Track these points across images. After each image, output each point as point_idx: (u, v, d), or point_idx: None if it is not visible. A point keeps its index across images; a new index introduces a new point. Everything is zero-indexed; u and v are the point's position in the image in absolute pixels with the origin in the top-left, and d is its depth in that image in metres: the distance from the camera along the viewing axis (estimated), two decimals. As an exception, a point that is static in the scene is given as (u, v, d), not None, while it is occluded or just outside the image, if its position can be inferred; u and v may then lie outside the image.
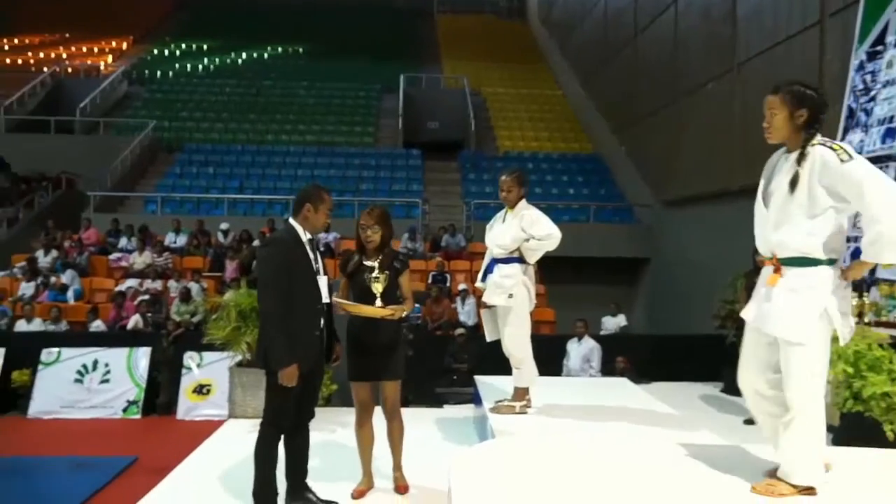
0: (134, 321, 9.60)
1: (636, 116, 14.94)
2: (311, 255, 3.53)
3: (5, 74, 21.16)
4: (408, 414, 4.60)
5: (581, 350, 8.32)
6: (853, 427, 4.15)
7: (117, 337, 9.11)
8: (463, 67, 22.51)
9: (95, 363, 8.21)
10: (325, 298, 3.56)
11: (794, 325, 2.56)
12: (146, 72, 22.65)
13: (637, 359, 8.17)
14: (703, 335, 8.48)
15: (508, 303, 4.30)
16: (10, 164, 15.87)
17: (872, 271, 5.54)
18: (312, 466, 3.75)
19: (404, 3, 29.52)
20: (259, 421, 3.54)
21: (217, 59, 24.18)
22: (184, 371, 8.03)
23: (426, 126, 20.08)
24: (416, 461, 4.08)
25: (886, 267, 5.38)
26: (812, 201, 2.57)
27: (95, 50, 25.42)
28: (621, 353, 8.20)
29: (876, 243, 2.50)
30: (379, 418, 3.87)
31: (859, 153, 6.26)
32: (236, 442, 4.94)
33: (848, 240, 5.95)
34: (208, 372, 7.94)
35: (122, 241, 12.61)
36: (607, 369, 8.10)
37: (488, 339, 4.56)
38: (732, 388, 4.35)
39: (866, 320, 4.79)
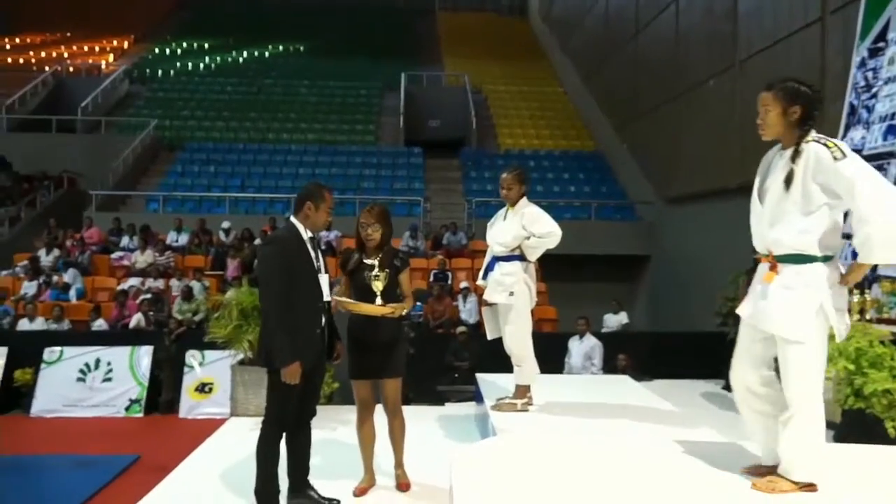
0: (136, 320, 9.62)
1: (637, 114, 14.93)
2: (313, 254, 3.54)
3: (7, 74, 21.18)
4: (409, 412, 4.61)
5: (583, 348, 8.32)
6: (854, 424, 4.15)
7: (119, 336, 9.14)
8: (464, 65, 22.49)
9: (98, 362, 8.25)
10: (327, 296, 3.57)
11: (791, 323, 2.57)
12: (147, 71, 22.67)
13: (639, 356, 8.17)
14: (704, 332, 8.47)
15: (509, 300, 4.30)
16: (12, 164, 15.89)
17: (874, 269, 5.54)
18: (314, 464, 3.76)
19: (405, 1, 29.52)
20: (261, 419, 3.55)
21: (218, 58, 24.19)
22: (186, 370, 8.06)
23: (427, 124, 20.08)
24: (418, 459, 4.08)
25: (887, 266, 5.38)
26: (806, 199, 2.58)
27: (97, 49, 25.44)
28: (623, 351, 8.20)
29: (865, 244, 2.50)
30: (380, 416, 3.88)
31: (861, 150, 6.30)
32: (238, 440, 4.95)
33: (849, 237, 5.96)
34: (210, 370, 7.97)
35: (124, 240, 12.62)
36: (609, 367, 8.10)
37: (489, 336, 4.57)
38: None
39: (868, 317, 4.79)
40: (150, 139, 17.51)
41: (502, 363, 4.60)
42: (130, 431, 7.43)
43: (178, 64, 23.52)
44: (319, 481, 3.75)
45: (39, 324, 9.47)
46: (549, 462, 3.05)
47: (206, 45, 25.45)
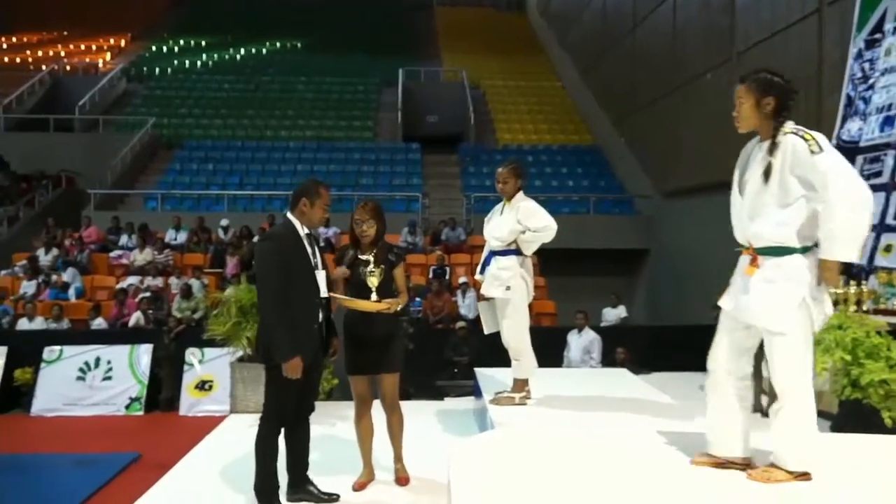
0: (135, 318, 9.63)
1: (635, 107, 14.92)
2: (310, 250, 3.54)
3: (4, 73, 21.15)
4: (409, 407, 4.62)
5: (581, 341, 8.34)
6: (851, 414, 4.16)
7: (119, 334, 9.15)
8: (462, 60, 22.45)
9: (97, 360, 8.27)
10: (324, 292, 3.57)
11: (774, 315, 2.59)
12: (145, 69, 22.63)
13: (637, 349, 8.19)
14: (703, 325, 8.41)
15: (506, 295, 4.30)
16: (10, 163, 15.88)
17: (871, 259, 5.54)
18: (313, 460, 3.77)
19: (403, -3, 29.45)
20: (260, 416, 3.56)
21: (215, 55, 24.15)
22: (186, 367, 8.08)
23: (425, 120, 20.06)
24: (417, 453, 4.10)
25: (885, 255, 5.39)
26: (784, 191, 2.59)
27: (94, 48, 25.39)
28: (621, 345, 8.22)
29: (827, 239, 2.52)
30: (379, 411, 3.89)
31: (858, 141, 6.31)
32: (238, 437, 4.96)
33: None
34: (210, 368, 7.99)
35: (123, 239, 12.63)
36: (607, 360, 8.12)
37: (486, 331, 4.57)
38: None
39: (865, 308, 4.80)
40: (148, 137, 17.49)
41: (502, 358, 4.61)
42: (131, 430, 7.44)
43: (176, 62, 23.48)
44: (319, 477, 3.76)
45: (39, 323, 9.48)
46: (546, 455, 3.06)
47: (203, 43, 25.40)
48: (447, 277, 11.31)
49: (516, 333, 4.37)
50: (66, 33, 26.32)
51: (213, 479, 4.19)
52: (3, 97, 18.09)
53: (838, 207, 2.47)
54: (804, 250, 2.60)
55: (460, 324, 8.93)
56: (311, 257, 3.53)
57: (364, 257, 3.73)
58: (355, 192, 14.42)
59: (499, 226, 4.39)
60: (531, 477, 2.78)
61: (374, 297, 3.63)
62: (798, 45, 8.82)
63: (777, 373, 2.64)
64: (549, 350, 7.52)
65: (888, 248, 5.46)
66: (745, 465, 2.78)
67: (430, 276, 11.33)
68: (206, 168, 16.68)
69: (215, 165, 16.81)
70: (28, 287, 10.79)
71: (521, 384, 4.48)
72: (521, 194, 4.37)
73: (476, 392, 5.47)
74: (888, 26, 6.23)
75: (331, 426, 5.03)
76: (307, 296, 3.48)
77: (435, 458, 3.88)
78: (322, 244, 10.75)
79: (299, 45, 25.36)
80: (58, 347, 8.32)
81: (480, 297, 4.56)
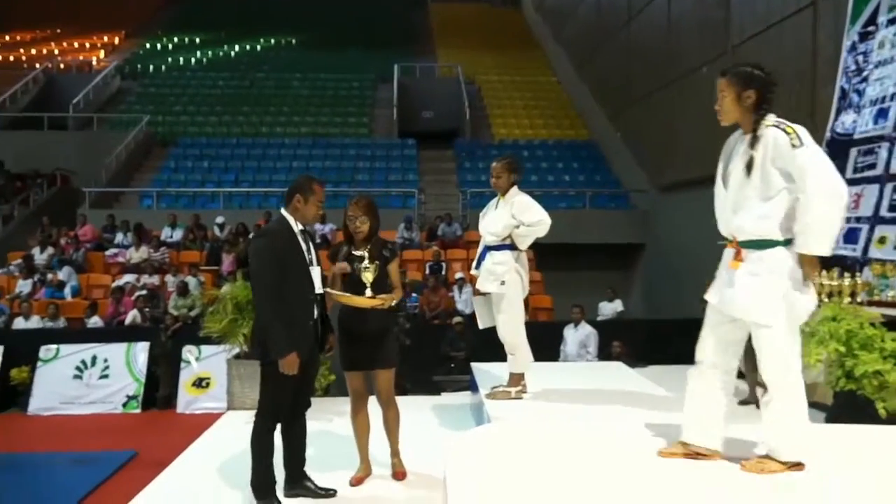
0: (132, 316, 9.63)
1: (631, 102, 14.92)
2: (304, 246, 3.54)
3: (-3, 72, 21.07)
4: (405, 402, 4.62)
5: (577, 336, 8.36)
6: (846, 405, 4.18)
7: (115, 332, 9.13)
8: (457, 56, 22.42)
9: (94, 359, 8.26)
10: (319, 289, 3.58)
11: (759, 309, 2.62)
12: (139, 66, 22.55)
13: (634, 343, 8.21)
14: (698, 319, 8.45)
15: (501, 290, 4.31)
16: (4, 162, 15.83)
17: (865, 251, 5.57)
18: (310, 455, 3.78)
19: (397, -8, 29.38)
20: (255, 412, 3.56)
21: (210, 52, 24.07)
22: (182, 365, 8.08)
23: (421, 115, 20.03)
24: (414, 448, 4.11)
25: (879, 246, 5.41)
26: (766, 184, 2.61)
27: (87, 45, 25.30)
28: (618, 338, 8.24)
29: (802, 233, 2.55)
30: (376, 406, 3.89)
31: (852, 134, 6.33)
32: (235, 433, 4.95)
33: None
34: (207, 365, 7.99)
35: (119, 237, 12.61)
36: (604, 354, 8.14)
37: (481, 326, 4.58)
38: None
39: (859, 300, 4.82)
40: (143, 135, 17.45)
41: (498, 352, 4.63)
42: (128, 428, 7.44)
43: (170, 59, 23.40)
44: (316, 472, 3.77)
45: (35, 322, 9.47)
46: (542, 448, 3.08)
47: (198, 40, 25.33)
48: (443, 273, 11.32)
49: (511, 328, 4.38)
50: (59, 31, 26.22)
51: (210, 476, 4.19)
52: (-3, 96, 18.04)
53: (815, 202, 2.50)
54: (787, 243, 2.62)
55: (457, 319, 8.94)
56: (306, 254, 3.53)
57: (358, 253, 3.73)
58: (351, 189, 14.42)
59: (493, 221, 4.40)
60: (527, 470, 2.80)
61: (368, 292, 3.64)
62: (792, 38, 8.82)
63: (765, 365, 2.67)
64: (546, 344, 7.53)
65: (882, 240, 5.48)
66: (716, 456, 2.82)
67: (427, 271, 11.34)
68: (201, 165, 16.65)
69: (210, 163, 16.78)
70: (24, 286, 10.77)
71: (516, 378, 4.49)
72: (515, 189, 4.37)
73: (472, 387, 5.49)
74: (882, 19, 6.25)
75: (328, 422, 5.03)
76: (302, 292, 3.48)
77: (432, 453, 3.89)
78: (318, 241, 10.75)
79: (294, 41, 25.29)
80: (54, 346, 8.31)
81: (476, 292, 4.57)
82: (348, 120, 19.38)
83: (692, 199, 11.91)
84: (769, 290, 2.60)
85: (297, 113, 19.50)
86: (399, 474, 3.91)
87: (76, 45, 25.23)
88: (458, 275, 10.76)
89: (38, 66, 21.01)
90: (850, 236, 5.82)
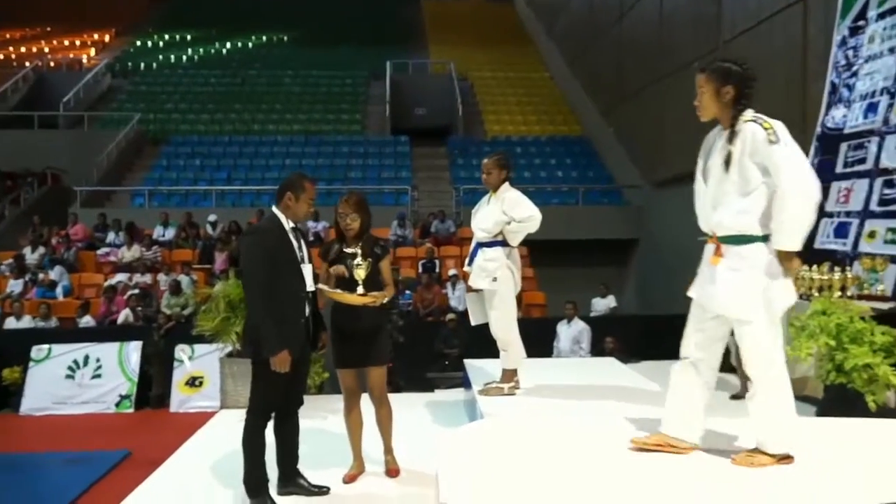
0: (124, 316, 9.59)
1: (624, 98, 14.94)
2: (295, 244, 3.53)
3: (-13, 70, 20.92)
4: (399, 399, 4.63)
5: (570, 332, 8.38)
6: (836, 399, 4.21)
7: (108, 332, 9.09)
8: (450, 52, 22.40)
9: (87, 358, 8.21)
10: (310, 286, 3.57)
11: (740, 304, 2.65)
12: (129, 64, 22.44)
13: (627, 339, 8.23)
14: (691, 314, 8.52)
15: (493, 286, 4.32)
16: (-6, 161, 15.73)
17: (855, 246, 5.59)
18: (304, 453, 3.78)
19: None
20: (246, 410, 3.56)
21: (201, 50, 23.97)
22: (176, 364, 8.04)
23: (414, 112, 20.01)
24: (408, 445, 4.12)
25: (869, 241, 5.44)
26: (744, 179, 2.63)
27: (77, 43, 25.16)
28: (611, 334, 8.26)
29: (777, 231, 2.58)
30: (369, 403, 3.89)
31: (842, 128, 6.35)
32: (228, 432, 4.95)
33: (830, 215, 6.00)
34: (200, 364, 7.96)
35: (110, 236, 12.55)
36: (597, 350, 8.16)
37: (473, 322, 4.59)
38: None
39: (849, 294, 4.84)
40: (134, 133, 17.37)
41: (492, 349, 4.63)
42: (121, 427, 7.41)
43: (161, 56, 23.28)
44: (309, 470, 3.77)
45: (26, 322, 9.41)
46: (534, 444, 3.09)
47: (189, 37, 25.22)
48: (437, 270, 11.32)
49: (504, 324, 4.38)
50: (49, 29, 26.06)
51: (203, 475, 4.19)
52: (-13, 94, 17.92)
53: (789, 200, 2.53)
54: (766, 238, 2.63)
55: (450, 316, 8.94)
56: (297, 251, 3.53)
57: (350, 250, 3.72)
58: (344, 186, 14.37)
59: (485, 217, 4.40)
60: (519, 466, 2.80)
61: (360, 289, 3.63)
62: (783, 33, 8.85)
63: (748, 360, 2.70)
64: (539, 341, 7.55)
65: (872, 235, 5.51)
66: (692, 450, 2.85)
67: (420, 268, 11.34)
68: (193, 163, 16.59)
69: (202, 161, 16.71)
70: (15, 286, 10.71)
71: (509, 374, 4.50)
72: (506, 185, 4.38)
73: (466, 383, 5.49)
74: (871, 13, 6.27)
75: (321, 419, 5.03)
76: (293, 289, 3.47)
77: (425, 450, 3.90)
78: (311, 238, 10.71)
79: (285, 38, 25.21)
80: (46, 346, 8.26)
81: (469, 289, 4.57)
82: (341, 117, 19.33)
83: (685, 195, 11.82)
84: (749, 286, 2.62)
85: (290, 110, 19.44)
86: (392, 471, 3.92)
87: (66, 42, 25.09)
88: (452, 271, 10.76)
89: (28, 64, 20.89)
90: (840, 230, 5.85)
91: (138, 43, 24.75)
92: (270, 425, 3.57)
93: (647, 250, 14.06)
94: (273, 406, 3.51)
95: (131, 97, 19.85)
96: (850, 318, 4.25)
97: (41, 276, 10.95)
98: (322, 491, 3.68)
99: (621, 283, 14.44)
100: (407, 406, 5.03)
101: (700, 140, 2.90)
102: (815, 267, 5.10)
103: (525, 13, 26.48)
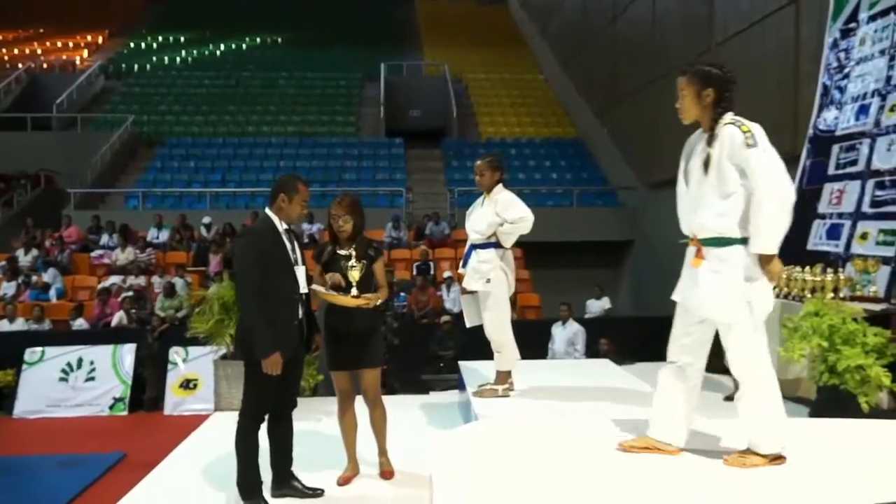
0: (118, 318, 9.57)
1: (617, 99, 14.98)
2: (289, 245, 3.53)
3: (-21, 72, 20.83)
4: (394, 401, 4.62)
5: (565, 333, 8.40)
6: (829, 400, 4.22)
7: (102, 334, 9.08)
8: (444, 54, 22.42)
9: (80, 361, 8.20)
10: (303, 288, 3.57)
11: (722, 307, 2.67)
12: (123, 66, 22.38)
13: (621, 340, 8.24)
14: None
15: (486, 288, 4.32)
16: (-13, 163, 15.67)
17: (847, 247, 5.62)
18: (298, 455, 3.77)
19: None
20: (239, 412, 3.56)
21: (195, 51, 23.92)
22: (170, 367, 8.04)
23: (408, 114, 20.01)
24: (402, 447, 4.12)
25: (861, 242, 5.47)
26: (723, 180, 2.66)
27: (71, 45, 25.07)
28: (606, 336, 8.28)
29: (754, 234, 2.61)
30: (363, 406, 3.89)
31: (834, 130, 6.37)
32: (222, 434, 4.91)
33: (822, 217, 6.02)
34: (194, 366, 7.95)
35: (104, 238, 12.51)
36: (591, 352, 8.18)
37: (468, 324, 4.59)
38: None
39: (841, 295, 4.86)
40: (128, 135, 17.32)
41: (487, 351, 4.63)
42: (115, 430, 7.40)
43: (155, 58, 23.24)
44: (304, 472, 3.77)
45: (20, 324, 9.39)
46: (528, 445, 3.09)
47: (182, 39, 25.17)
48: (431, 272, 11.32)
49: (497, 326, 4.39)
50: (42, 30, 25.96)
51: (197, 477, 4.18)
52: (-21, 96, 17.84)
53: (764, 203, 2.56)
54: (745, 241, 2.66)
55: (445, 318, 8.95)
56: (291, 253, 3.52)
57: (343, 252, 3.72)
58: (339, 188, 14.35)
59: (478, 219, 4.41)
60: (513, 468, 2.81)
61: (354, 291, 3.63)
62: (775, 35, 8.89)
63: (733, 362, 2.73)
64: (534, 342, 7.57)
65: (864, 236, 5.53)
66: (677, 452, 2.87)
67: (415, 270, 11.34)
68: (187, 165, 16.55)
69: (197, 163, 16.68)
70: (8, 288, 10.67)
71: (503, 376, 4.51)
72: (499, 187, 4.38)
73: (460, 385, 5.50)
74: (862, 15, 6.30)
75: (316, 421, 5.03)
76: (286, 291, 3.47)
77: (420, 452, 3.91)
78: (306, 240, 10.68)
79: (279, 39, 25.19)
80: (39, 349, 8.24)
81: (463, 291, 4.58)
82: (335, 119, 19.33)
83: (678, 196, 11.98)
84: (731, 288, 2.65)
85: (284, 112, 19.43)
86: (387, 473, 3.92)
87: (59, 44, 25.00)
88: (447, 274, 10.77)
89: (20, 65, 20.80)
90: (832, 232, 5.87)
91: (132, 44, 24.69)
92: (264, 427, 3.57)
93: (642, 252, 14.10)
94: (265, 408, 3.51)
95: (125, 99, 19.80)
96: (842, 320, 4.27)
97: (34, 278, 10.92)
98: (316, 493, 3.68)
99: (616, 285, 14.48)
100: (401, 408, 5.03)
101: (695, 142, 2.93)
102: (807, 268, 5.12)
103: (519, 15, 26.53)
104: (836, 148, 6.17)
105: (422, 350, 8.39)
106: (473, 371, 5.24)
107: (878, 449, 3.02)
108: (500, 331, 4.40)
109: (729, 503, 2.51)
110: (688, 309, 2.81)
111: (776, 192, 2.56)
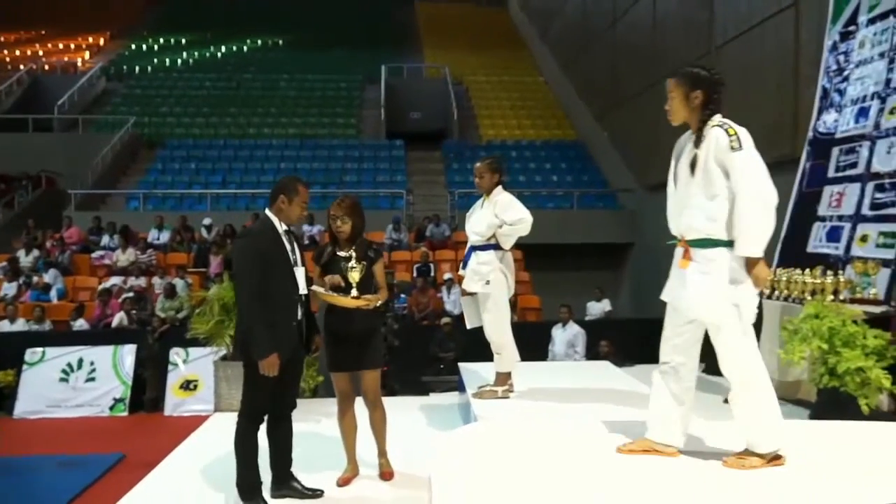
0: (118, 319, 9.57)
1: (617, 102, 14.99)
2: (288, 247, 3.53)
3: (-19, 73, 20.87)
4: (394, 402, 4.62)
5: (566, 335, 8.40)
6: (829, 402, 4.22)
7: (102, 335, 9.08)
8: (444, 56, 22.45)
9: (80, 362, 8.21)
10: (303, 289, 3.57)
11: (711, 307, 2.68)
12: (124, 67, 22.41)
13: (621, 342, 8.24)
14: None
15: (486, 289, 4.32)
16: (-11, 164, 15.69)
17: (847, 249, 5.63)
18: (297, 456, 3.77)
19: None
20: (237, 412, 3.56)
21: (196, 53, 23.97)
22: (170, 367, 8.05)
23: (409, 116, 20.04)
24: (402, 448, 4.12)
25: (861, 244, 5.47)
26: (709, 182, 2.68)
27: (72, 46, 25.11)
28: (605, 338, 8.28)
29: (739, 238, 2.63)
30: (363, 407, 3.90)
31: (833, 133, 6.38)
32: (221, 435, 4.92)
33: (822, 219, 6.03)
34: (194, 367, 7.96)
35: (105, 239, 12.53)
36: (591, 354, 8.18)
37: (468, 326, 4.59)
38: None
39: (841, 297, 4.86)
40: (129, 137, 17.34)
41: (488, 352, 4.64)
42: (115, 430, 7.40)
43: (156, 60, 23.28)
44: (303, 473, 3.77)
45: (20, 325, 9.40)
46: (527, 447, 3.10)
47: (184, 41, 25.21)
48: (432, 274, 11.33)
49: (497, 327, 4.40)
50: (44, 32, 26.00)
51: (196, 478, 4.18)
52: (-19, 97, 17.87)
53: (747, 209, 2.58)
54: (732, 243, 2.67)
55: (445, 320, 8.96)
56: (290, 254, 3.53)
57: (343, 254, 3.73)
58: (340, 190, 14.37)
59: (478, 221, 4.42)
60: (512, 469, 2.81)
61: (354, 292, 3.64)
62: (775, 37, 8.90)
63: (724, 363, 2.73)
64: (534, 344, 7.57)
65: (864, 238, 5.54)
66: (675, 454, 2.88)
67: (415, 272, 11.34)
68: (188, 167, 16.58)
69: (197, 164, 16.70)
70: (9, 289, 10.68)
71: (503, 377, 4.51)
72: (499, 188, 4.39)
73: (460, 387, 5.50)
74: (862, 18, 6.31)
75: (315, 423, 5.03)
76: (286, 292, 3.48)
77: (419, 453, 3.91)
78: (307, 242, 10.68)
79: (280, 42, 25.23)
80: (40, 349, 8.25)
81: (463, 293, 4.59)
82: (336, 121, 19.35)
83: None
84: (719, 289, 2.66)
85: (285, 114, 19.46)
86: (386, 474, 3.92)
87: (61, 45, 25.04)
88: (447, 275, 10.78)
89: (22, 67, 20.84)
90: (832, 234, 5.88)
91: (133, 46, 24.73)
92: (264, 428, 3.58)
93: (642, 254, 14.10)
94: (262, 409, 3.51)
95: (126, 100, 19.83)
96: (842, 322, 4.26)
97: (35, 279, 10.93)
98: (316, 494, 3.68)
99: (616, 287, 14.48)
100: (401, 409, 5.03)
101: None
102: (807, 271, 5.13)
103: (519, 18, 26.57)
104: (835, 150, 6.17)
105: (422, 352, 8.40)
106: (473, 373, 5.24)
107: (879, 451, 3.02)
108: (499, 332, 4.40)
109: (728, 504, 2.52)
110: (677, 309, 2.82)
111: (759, 195, 2.58)
